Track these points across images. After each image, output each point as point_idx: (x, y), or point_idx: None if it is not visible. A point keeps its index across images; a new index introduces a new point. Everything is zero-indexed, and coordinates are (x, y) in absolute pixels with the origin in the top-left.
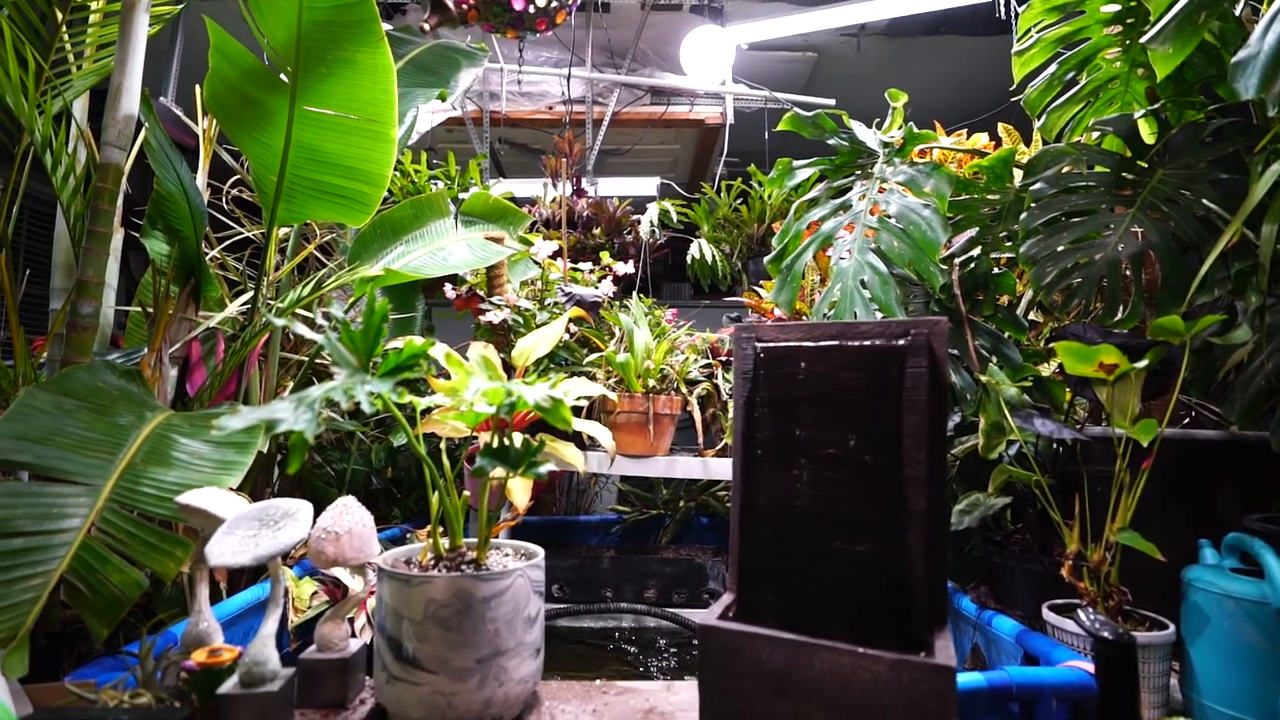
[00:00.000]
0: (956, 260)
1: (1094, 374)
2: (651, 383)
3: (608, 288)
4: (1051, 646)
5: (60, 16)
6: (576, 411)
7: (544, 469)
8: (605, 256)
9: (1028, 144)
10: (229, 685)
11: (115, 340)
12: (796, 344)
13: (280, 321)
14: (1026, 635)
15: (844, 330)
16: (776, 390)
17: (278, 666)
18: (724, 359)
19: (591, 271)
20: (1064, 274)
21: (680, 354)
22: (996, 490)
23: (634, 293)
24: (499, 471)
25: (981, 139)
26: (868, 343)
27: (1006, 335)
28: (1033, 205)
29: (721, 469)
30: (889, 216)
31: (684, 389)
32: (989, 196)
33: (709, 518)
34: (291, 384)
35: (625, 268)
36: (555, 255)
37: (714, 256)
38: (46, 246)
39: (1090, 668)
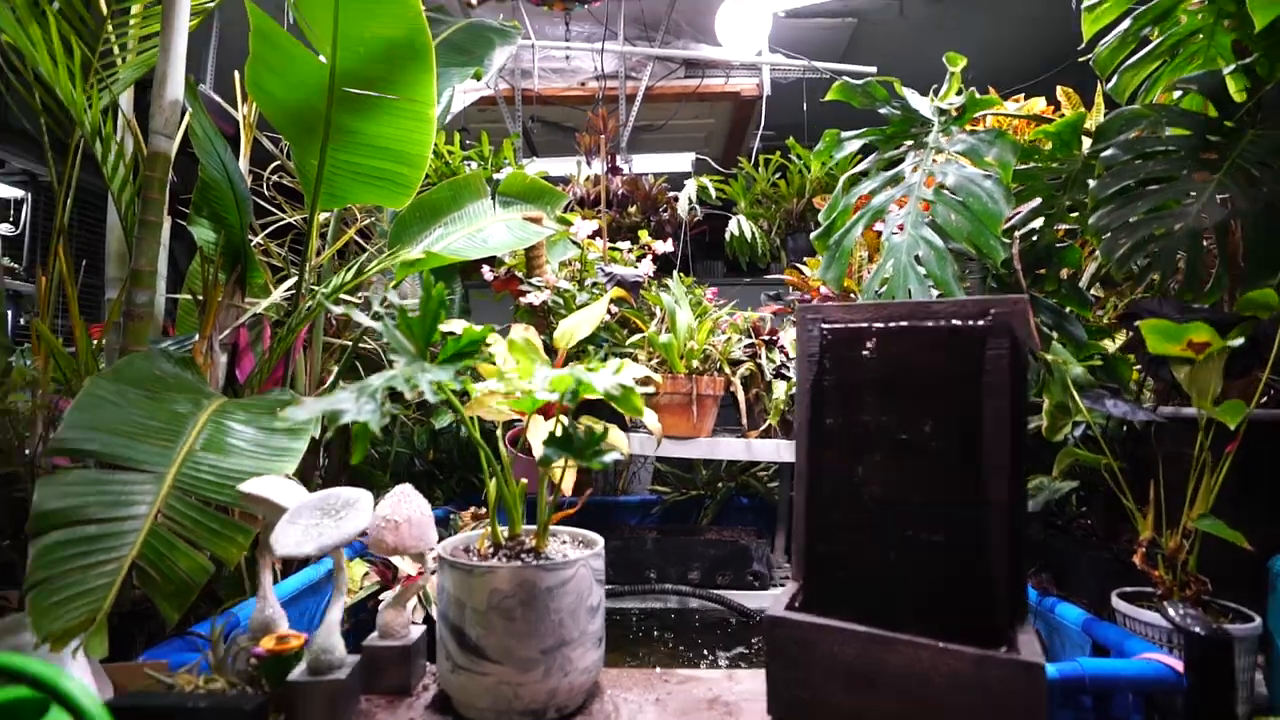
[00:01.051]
0: (1017, 233)
1: (1180, 353)
2: (694, 363)
3: (648, 267)
4: (1124, 637)
5: (105, 9)
6: None
7: (609, 457)
8: (644, 235)
9: (1087, 107)
10: (298, 672)
11: (165, 329)
12: (866, 325)
13: (338, 309)
14: (1095, 624)
15: (916, 310)
16: (844, 374)
17: (344, 654)
18: (767, 338)
19: (630, 250)
20: (1139, 245)
21: (722, 334)
22: (1062, 473)
23: (674, 272)
24: (559, 461)
25: (1039, 104)
26: (944, 323)
27: (1069, 311)
28: (1104, 173)
29: (765, 450)
30: (946, 188)
31: (727, 369)
32: (1053, 165)
33: (749, 498)
34: (336, 368)
35: (665, 246)
36: (594, 235)
37: (753, 233)
38: (94, 236)
39: (1171, 660)
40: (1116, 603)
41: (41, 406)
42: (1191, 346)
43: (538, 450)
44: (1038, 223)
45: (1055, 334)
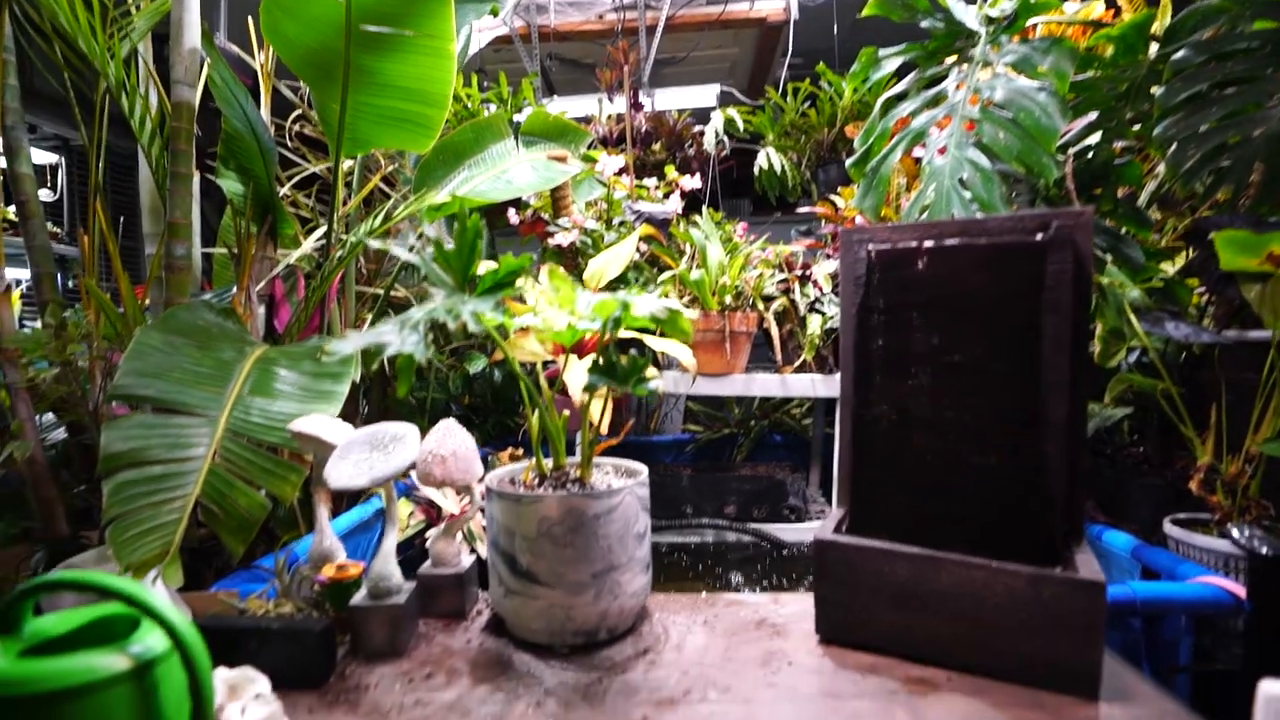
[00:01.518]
0: (1071, 150)
1: (1257, 268)
2: (727, 300)
3: (676, 203)
4: (1176, 562)
5: None
6: (651, 331)
7: (653, 385)
8: (670, 170)
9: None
10: (359, 598)
11: (202, 287)
12: (915, 244)
13: (375, 243)
14: (1145, 549)
15: (969, 227)
16: (892, 296)
17: (401, 580)
18: (800, 273)
19: (657, 188)
20: (1208, 157)
21: (754, 269)
22: (1114, 400)
23: (703, 208)
24: (600, 390)
25: (1097, 8)
26: (1001, 240)
27: (1126, 232)
28: (1173, 78)
29: (801, 385)
30: (994, 104)
31: (760, 305)
32: (1113, 73)
33: (783, 435)
34: (369, 316)
35: (693, 182)
36: (620, 172)
37: (783, 165)
38: (127, 199)
39: (1229, 584)
40: (1169, 528)
41: (98, 358)
42: (1271, 259)
43: (574, 391)
44: (1094, 138)
45: (1110, 257)
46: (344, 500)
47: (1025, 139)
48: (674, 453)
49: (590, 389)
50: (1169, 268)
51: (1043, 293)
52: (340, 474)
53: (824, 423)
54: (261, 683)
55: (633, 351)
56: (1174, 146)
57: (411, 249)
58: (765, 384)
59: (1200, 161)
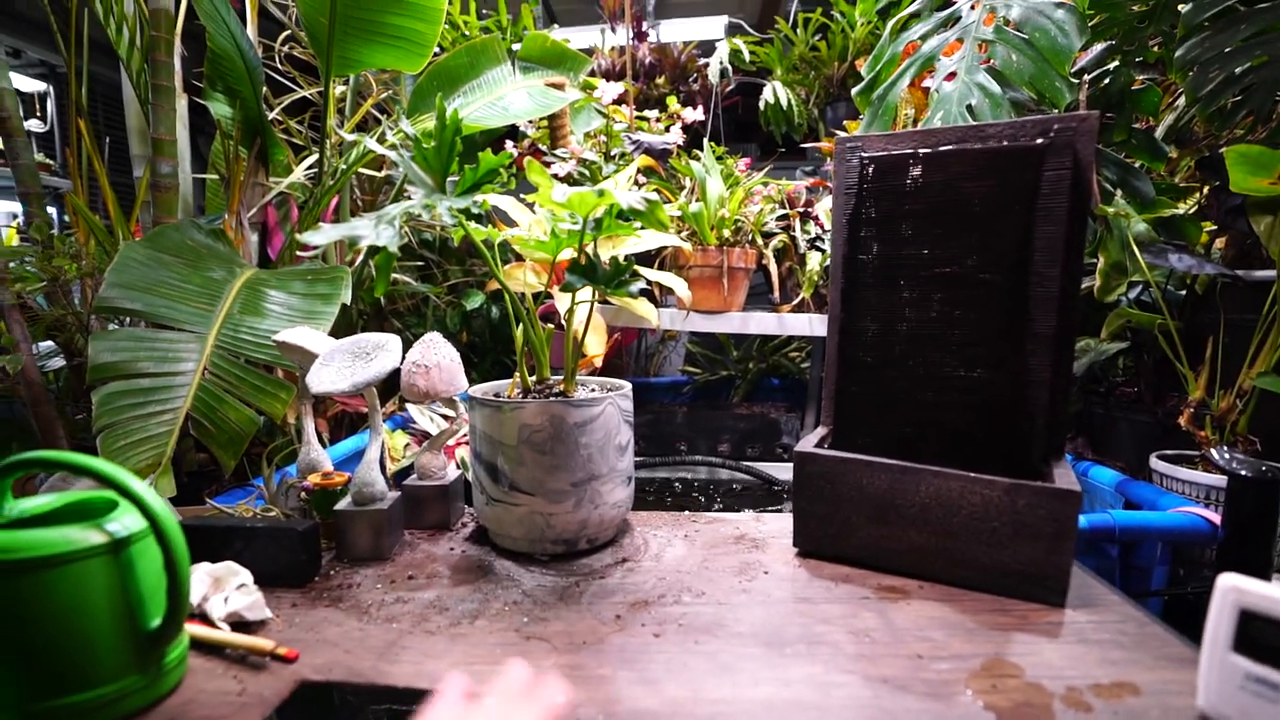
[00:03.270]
0: (1087, 76)
1: (1268, 188)
2: (725, 234)
3: (677, 134)
4: (1158, 494)
5: None
6: (648, 263)
7: (635, 288)
8: (672, 102)
9: None
10: (344, 504)
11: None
12: (910, 151)
13: (350, 136)
14: (1128, 484)
15: (967, 134)
16: (885, 205)
17: (385, 488)
18: (802, 210)
19: (658, 119)
20: (1233, 78)
21: (755, 204)
22: (1110, 335)
23: (705, 141)
24: (585, 294)
25: None
26: (997, 145)
27: (1139, 165)
28: None
29: (798, 325)
30: (1009, 23)
31: (759, 241)
32: None
33: (780, 379)
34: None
35: (695, 114)
36: (620, 101)
37: (789, 101)
38: (121, 132)
39: (1207, 514)
40: (1155, 463)
41: (86, 274)
42: None
43: (563, 311)
44: (1112, 65)
45: (1119, 190)
46: (343, 428)
47: (1039, 61)
48: (672, 394)
49: (568, 289)
50: (1179, 209)
51: (1038, 199)
52: (321, 379)
53: (821, 367)
54: (244, 575)
55: (613, 256)
56: (1195, 69)
57: (389, 145)
58: (762, 322)
59: (1223, 83)
